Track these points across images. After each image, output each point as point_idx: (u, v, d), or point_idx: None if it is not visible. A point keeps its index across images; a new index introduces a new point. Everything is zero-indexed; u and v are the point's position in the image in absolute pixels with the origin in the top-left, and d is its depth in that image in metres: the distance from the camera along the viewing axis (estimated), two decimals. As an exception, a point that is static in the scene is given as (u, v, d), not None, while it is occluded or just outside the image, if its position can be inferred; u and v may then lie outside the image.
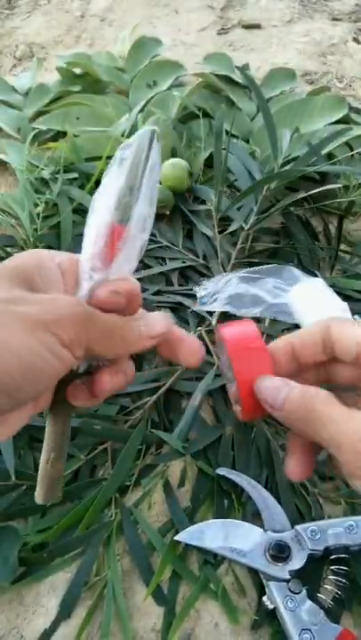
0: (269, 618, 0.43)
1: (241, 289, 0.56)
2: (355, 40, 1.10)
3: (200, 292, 0.58)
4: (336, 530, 0.44)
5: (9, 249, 0.64)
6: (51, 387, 0.27)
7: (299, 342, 0.28)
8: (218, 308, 0.56)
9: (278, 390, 0.26)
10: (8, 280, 0.25)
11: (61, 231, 0.67)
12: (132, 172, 0.26)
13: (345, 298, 0.60)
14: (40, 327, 0.23)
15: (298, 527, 0.44)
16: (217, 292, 0.57)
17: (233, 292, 0.56)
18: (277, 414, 0.26)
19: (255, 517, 0.47)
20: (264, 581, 0.43)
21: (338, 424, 0.24)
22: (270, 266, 0.58)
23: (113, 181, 0.27)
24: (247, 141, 0.80)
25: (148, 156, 0.26)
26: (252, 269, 0.58)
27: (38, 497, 0.29)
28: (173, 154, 0.75)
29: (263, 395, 0.27)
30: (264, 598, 0.42)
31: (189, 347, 0.30)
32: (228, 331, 0.29)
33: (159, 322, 0.28)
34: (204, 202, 0.71)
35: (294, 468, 0.28)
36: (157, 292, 0.63)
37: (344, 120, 0.80)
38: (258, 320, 0.58)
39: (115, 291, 0.26)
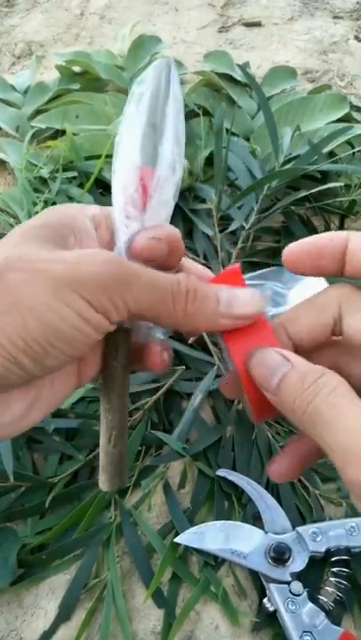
0: (270, 620, 0.43)
1: None
2: (356, 38, 1.09)
3: None
4: (337, 531, 0.44)
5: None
6: (85, 354, 0.23)
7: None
8: None
9: (274, 367, 0.21)
10: (36, 239, 0.21)
11: (61, 230, 0.67)
12: (152, 107, 0.24)
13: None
14: (65, 288, 0.20)
15: (299, 529, 0.44)
16: None
17: None
18: (272, 399, 0.21)
19: (256, 519, 0.46)
20: (265, 583, 0.43)
21: (350, 433, 0.18)
22: (271, 269, 0.58)
23: (133, 121, 0.24)
24: (248, 140, 0.79)
25: (168, 88, 0.24)
26: (252, 274, 0.58)
27: (103, 483, 0.25)
28: (173, 152, 0.74)
29: (255, 371, 0.21)
30: (265, 600, 0.42)
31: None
32: None
33: (248, 301, 0.22)
34: (204, 201, 0.71)
35: (279, 466, 0.24)
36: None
37: (345, 118, 0.79)
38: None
39: (154, 237, 0.23)
